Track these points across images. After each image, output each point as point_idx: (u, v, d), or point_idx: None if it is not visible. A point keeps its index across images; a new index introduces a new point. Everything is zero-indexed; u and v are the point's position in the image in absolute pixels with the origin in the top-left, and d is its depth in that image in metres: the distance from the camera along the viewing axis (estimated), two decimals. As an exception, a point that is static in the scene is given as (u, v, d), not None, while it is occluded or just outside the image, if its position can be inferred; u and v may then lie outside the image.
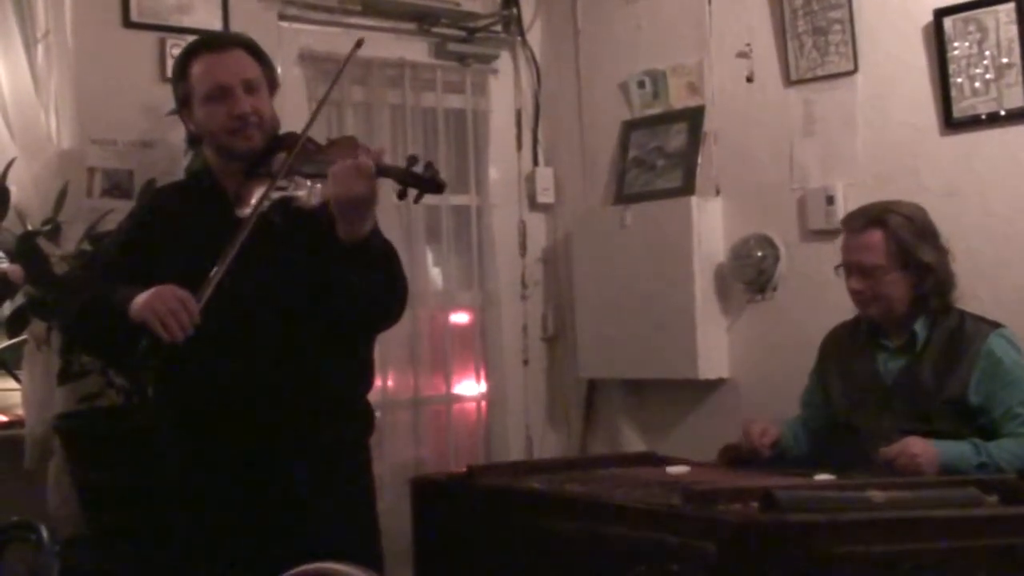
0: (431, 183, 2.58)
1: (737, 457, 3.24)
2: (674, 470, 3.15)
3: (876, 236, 3.12)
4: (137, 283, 2.60)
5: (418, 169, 2.57)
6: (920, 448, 2.91)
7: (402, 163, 2.59)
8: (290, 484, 2.69)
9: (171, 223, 2.78)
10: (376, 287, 2.68)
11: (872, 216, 3.17)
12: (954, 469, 2.90)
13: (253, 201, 2.64)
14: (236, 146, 2.73)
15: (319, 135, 2.97)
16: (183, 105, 2.80)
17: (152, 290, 2.51)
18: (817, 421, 3.34)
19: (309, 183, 2.64)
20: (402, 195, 2.59)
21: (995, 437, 3.00)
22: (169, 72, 3.95)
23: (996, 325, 3.12)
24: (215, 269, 2.51)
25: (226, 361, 2.65)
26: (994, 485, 2.51)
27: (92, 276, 2.82)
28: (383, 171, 2.59)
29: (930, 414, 3.03)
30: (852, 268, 3.17)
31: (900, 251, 3.09)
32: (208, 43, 2.84)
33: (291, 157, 2.65)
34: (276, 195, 2.63)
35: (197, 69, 2.76)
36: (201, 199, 2.81)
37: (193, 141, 2.86)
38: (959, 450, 2.94)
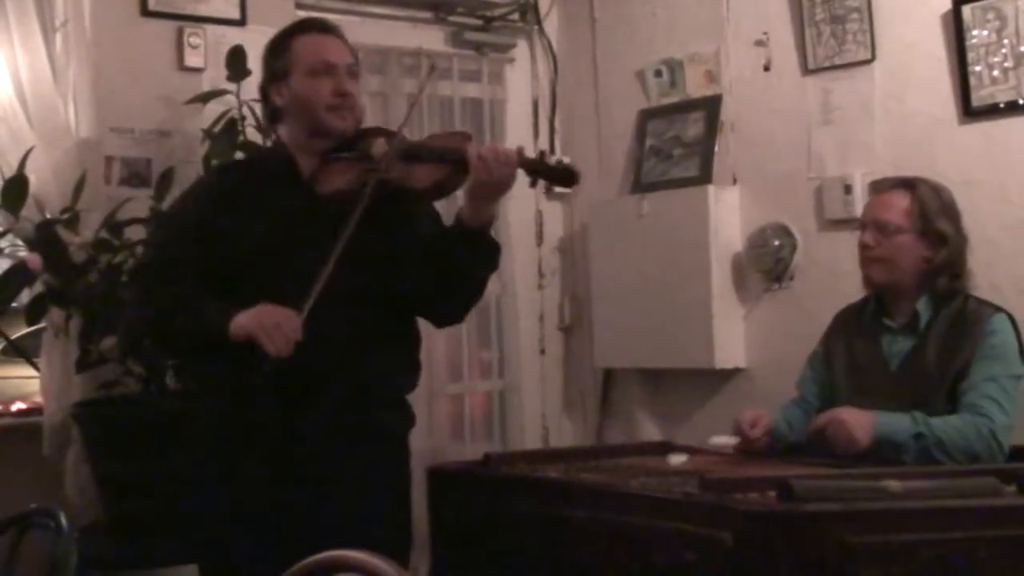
0: (564, 173, 2.77)
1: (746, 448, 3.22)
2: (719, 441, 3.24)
3: (902, 197, 3.11)
4: (204, 265, 2.71)
5: (550, 161, 2.74)
6: (850, 415, 2.89)
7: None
8: (341, 471, 2.72)
9: (241, 199, 2.79)
10: (476, 276, 2.82)
11: (903, 180, 3.18)
12: (889, 438, 2.87)
13: (339, 184, 2.72)
14: (332, 124, 2.77)
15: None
16: (275, 79, 2.82)
17: (256, 308, 2.60)
18: (816, 402, 3.28)
19: (405, 166, 2.74)
20: (533, 184, 2.77)
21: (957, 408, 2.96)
22: (186, 61, 4.02)
23: (999, 308, 3.09)
24: (318, 277, 2.58)
25: (303, 342, 2.62)
26: (1013, 474, 2.50)
27: (165, 264, 2.79)
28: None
29: (934, 398, 2.99)
30: (868, 223, 3.15)
31: (921, 217, 3.07)
32: (315, 24, 2.90)
33: (395, 142, 2.76)
34: (376, 177, 2.69)
35: (304, 43, 2.81)
36: (274, 175, 2.83)
37: (273, 118, 2.87)
38: (896, 421, 2.89)
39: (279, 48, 2.84)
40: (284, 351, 2.56)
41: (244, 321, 2.60)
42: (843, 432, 2.88)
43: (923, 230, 3.08)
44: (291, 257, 2.68)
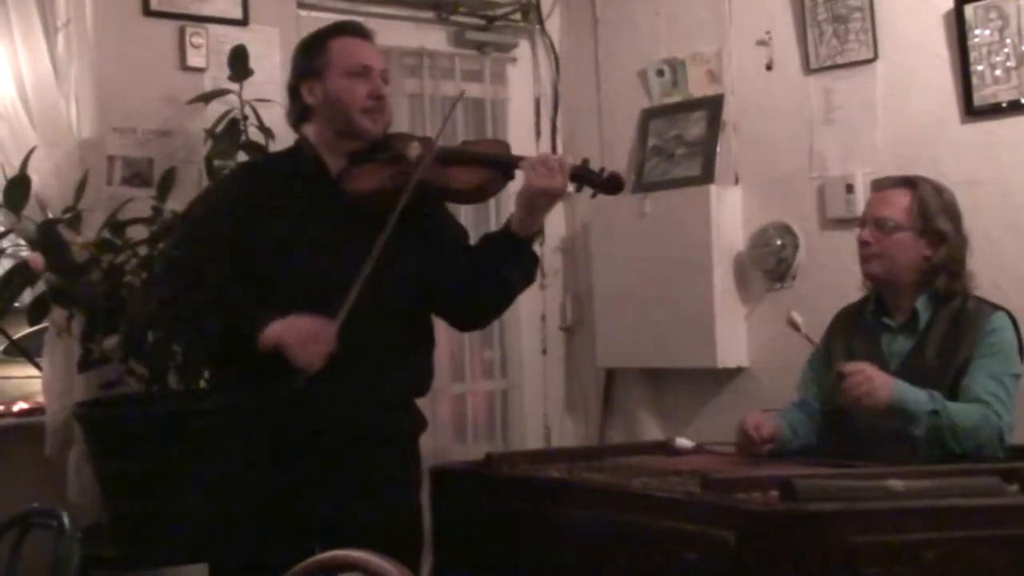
0: (611, 181, 2.78)
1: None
2: (682, 442, 3.24)
3: (903, 194, 3.11)
4: (238, 255, 2.70)
5: (594, 167, 2.78)
6: (876, 374, 2.90)
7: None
8: (353, 473, 2.73)
9: (267, 198, 2.80)
10: (515, 283, 2.84)
11: (905, 178, 3.19)
12: (904, 407, 2.87)
13: (370, 184, 2.75)
14: (364, 126, 2.79)
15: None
16: (309, 76, 2.83)
17: (289, 319, 2.60)
18: (817, 403, 3.26)
19: (444, 169, 2.78)
20: (578, 189, 2.82)
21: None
22: (188, 61, 4.02)
23: (1000, 307, 3.09)
24: (355, 284, 2.58)
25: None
26: (1015, 474, 2.50)
27: (202, 256, 2.77)
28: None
29: None
30: (868, 220, 3.15)
31: (920, 215, 3.08)
32: (353, 27, 2.92)
33: (433, 146, 2.78)
34: (416, 178, 2.71)
35: (342, 44, 2.83)
36: (302, 174, 2.84)
37: (302, 116, 2.88)
38: (915, 393, 2.89)
39: (315, 47, 2.85)
40: (316, 365, 2.58)
41: (276, 331, 2.60)
42: (865, 384, 2.87)
43: (923, 228, 3.08)
44: (319, 256, 2.70)
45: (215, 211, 2.84)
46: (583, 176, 2.78)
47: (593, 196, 2.85)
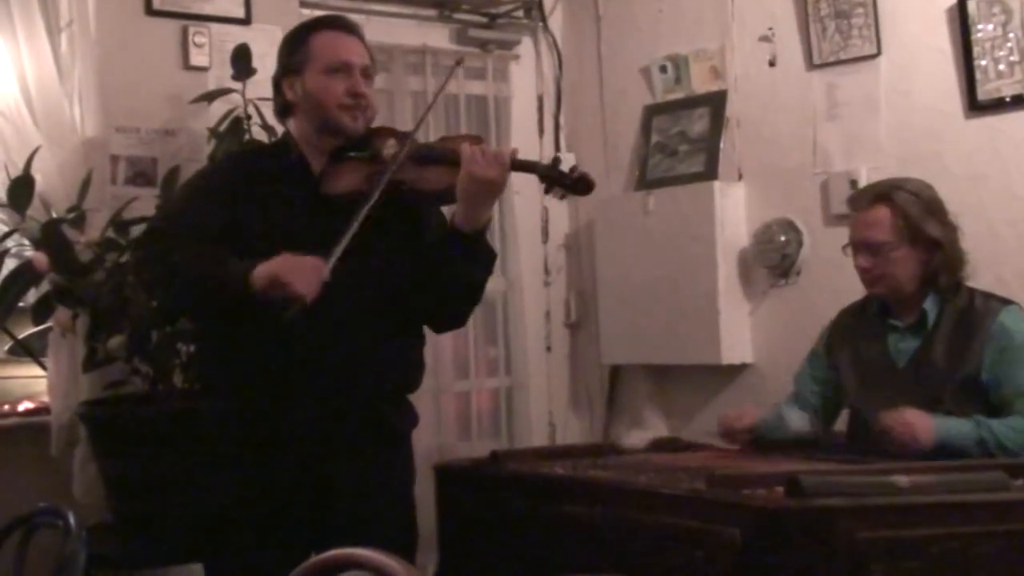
0: (580, 183, 2.69)
1: (756, 441, 3.21)
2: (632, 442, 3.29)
3: (883, 212, 3.07)
4: (218, 240, 2.66)
5: (564, 168, 2.70)
6: (917, 418, 2.87)
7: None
8: (346, 470, 2.72)
9: (249, 191, 2.77)
10: (472, 281, 2.78)
11: (878, 193, 3.14)
12: (951, 444, 2.85)
13: (348, 183, 2.71)
14: (343, 124, 2.76)
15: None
16: (289, 72, 2.81)
17: (279, 256, 2.55)
18: (815, 400, 3.28)
19: (418, 168, 2.73)
20: (548, 191, 2.79)
21: (1002, 414, 2.93)
22: (191, 60, 4.02)
23: (1006, 301, 3.07)
24: (341, 240, 2.56)
25: (308, 338, 2.64)
26: (1021, 469, 2.50)
27: (182, 225, 2.74)
28: (523, 166, 2.72)
29: (943, 396, 2.97)
30: (859, 246, 3.12)
31: (908, 227, 3.04)
32: (335, 22, 2.88)
33: (407, 144, 2.74)
34: (390, 178, 2.68)
35: (322, 40, 2.79)
36: (285, 170, 2.81)
37: (284, 111, 2.86)
38: (959, 426, 2.88)
39: (297, 41, 2.82)
40: (312, 291, 2.52)
41: (267, 266, 2.54)
42: (909, 437, 2.85)
43: (913, 239, 3.05)
44: (296, 252, 2.67)
45: (196, 202, 2.82)
46: (552, 176, 2.71)
47: (562, 198, 2.82)
